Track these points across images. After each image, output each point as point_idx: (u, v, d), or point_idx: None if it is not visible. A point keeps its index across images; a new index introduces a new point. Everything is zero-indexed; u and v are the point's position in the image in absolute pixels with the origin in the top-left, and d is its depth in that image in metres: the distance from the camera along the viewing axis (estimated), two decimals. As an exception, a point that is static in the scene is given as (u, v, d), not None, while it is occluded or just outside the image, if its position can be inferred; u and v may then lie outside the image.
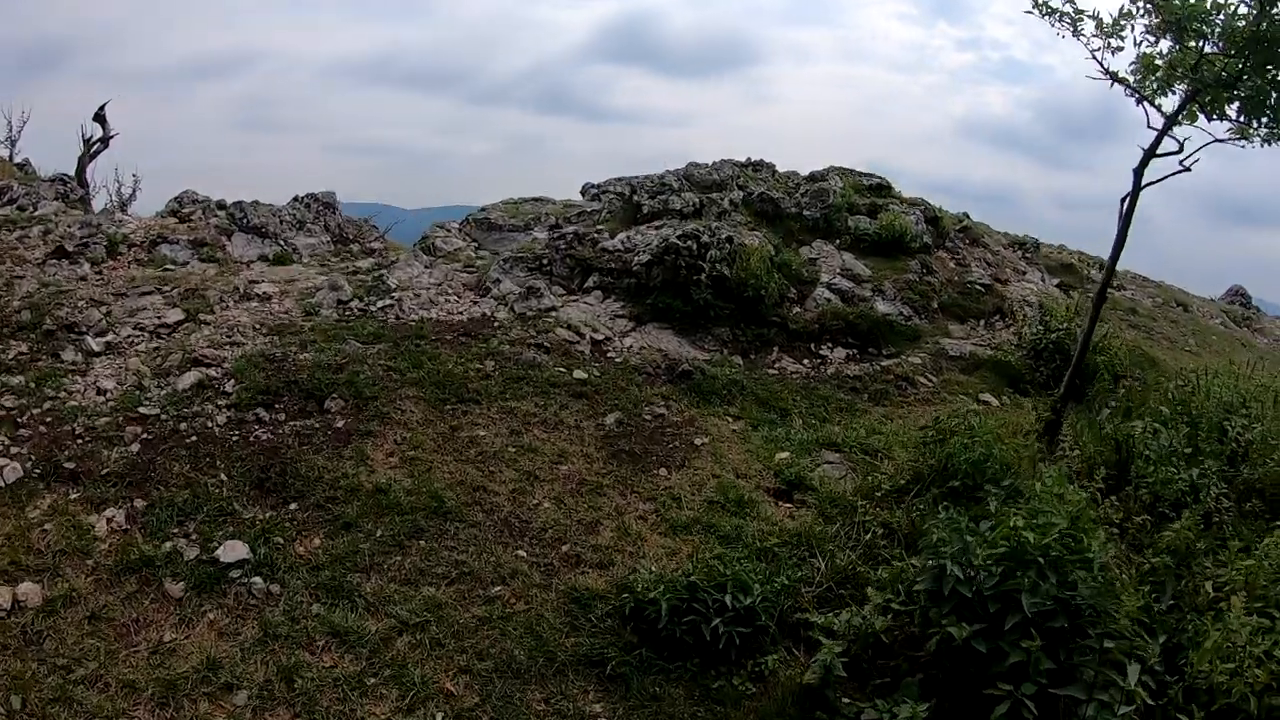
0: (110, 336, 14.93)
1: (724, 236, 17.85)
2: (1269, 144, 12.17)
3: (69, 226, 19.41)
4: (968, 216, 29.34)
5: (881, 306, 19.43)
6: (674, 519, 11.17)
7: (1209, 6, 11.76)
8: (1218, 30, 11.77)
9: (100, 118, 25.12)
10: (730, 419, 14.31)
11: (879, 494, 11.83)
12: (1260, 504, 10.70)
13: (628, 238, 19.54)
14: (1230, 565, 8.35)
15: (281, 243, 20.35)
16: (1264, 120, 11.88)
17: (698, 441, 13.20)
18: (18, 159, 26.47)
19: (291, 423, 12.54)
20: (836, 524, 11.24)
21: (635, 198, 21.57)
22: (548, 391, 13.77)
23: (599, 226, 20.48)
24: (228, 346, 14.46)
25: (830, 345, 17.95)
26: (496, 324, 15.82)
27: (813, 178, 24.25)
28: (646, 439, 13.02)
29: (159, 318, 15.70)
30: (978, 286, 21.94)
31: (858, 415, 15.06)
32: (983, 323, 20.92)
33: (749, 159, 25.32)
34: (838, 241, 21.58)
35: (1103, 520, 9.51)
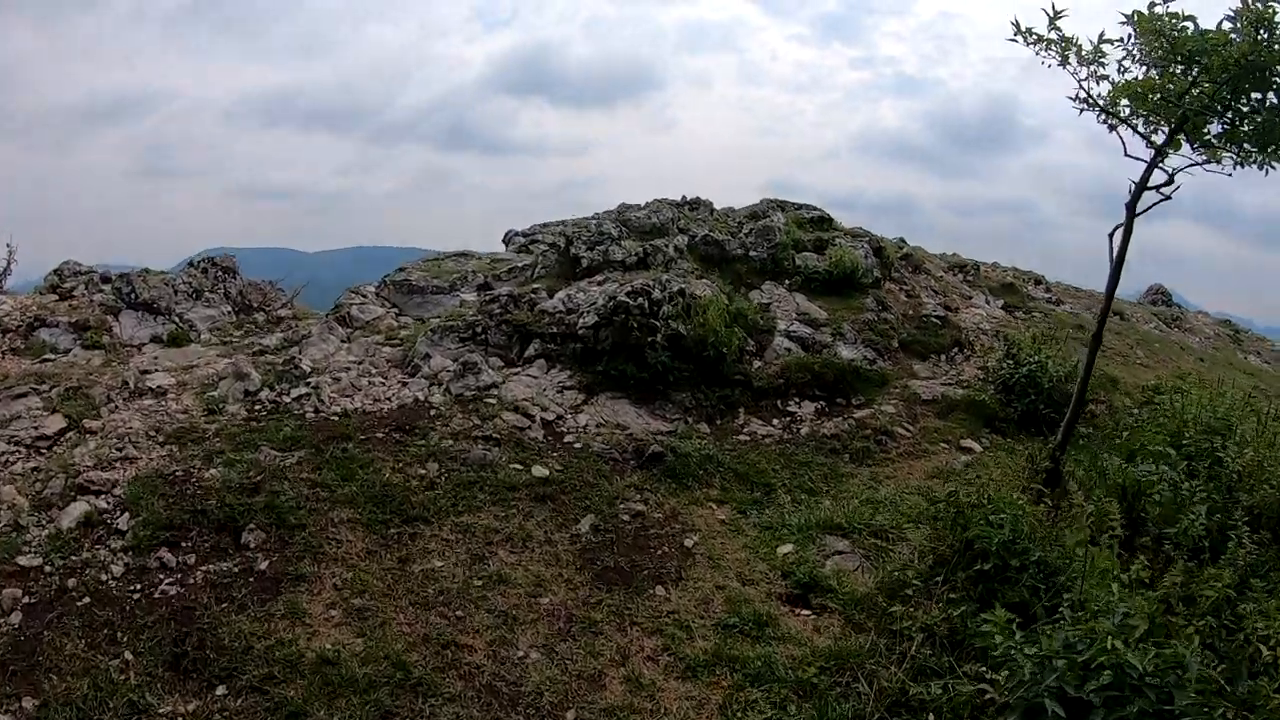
0: (-20, 456, 12.61)
1: (675, 289, 16.60)
2: (1242, 166, 11.78)
3: (-68, 313, 17.08)
4: (904, 242, 28.11)
5: (845, 352, 18.44)
6: (689, 655, 9.58)
7: (1211, 37, 11.13)
8: (1213, 60, 11.16)
9: None
10: (714, 505, 13.00)
11: (907, 591, 10.49)
12: (1268, 534, 10.42)
13: (569, 297, 17.74)
14: (1274, 619, 7.92)
15: (176, 319, 18.10)
16: (1244, 145, 11.72)
17: (688, 543, 11.76)
18: None
19: (204, 567, 10.38)
20: (869, 634, 9.88)
21: (572, 249, 19.74)
22: (506, 498, 12.03)
23: (534, 285, 18.61)
24: (119, 464, 12.31)
25: (798, 400, 16.81)
26: (433, 411, 14.18)
27: (754, 215, 22.74)
28: (631, 547, 11.36)
29: (36, 427, 13.47)
30: (933, 319, 21.10)
31: (844, 480, 14.03)
32: (944, 357, 20.04)
33: (684, 197, 23.22)
34: (788, 282, 20.64)
35: (1135, 581, 8.84)
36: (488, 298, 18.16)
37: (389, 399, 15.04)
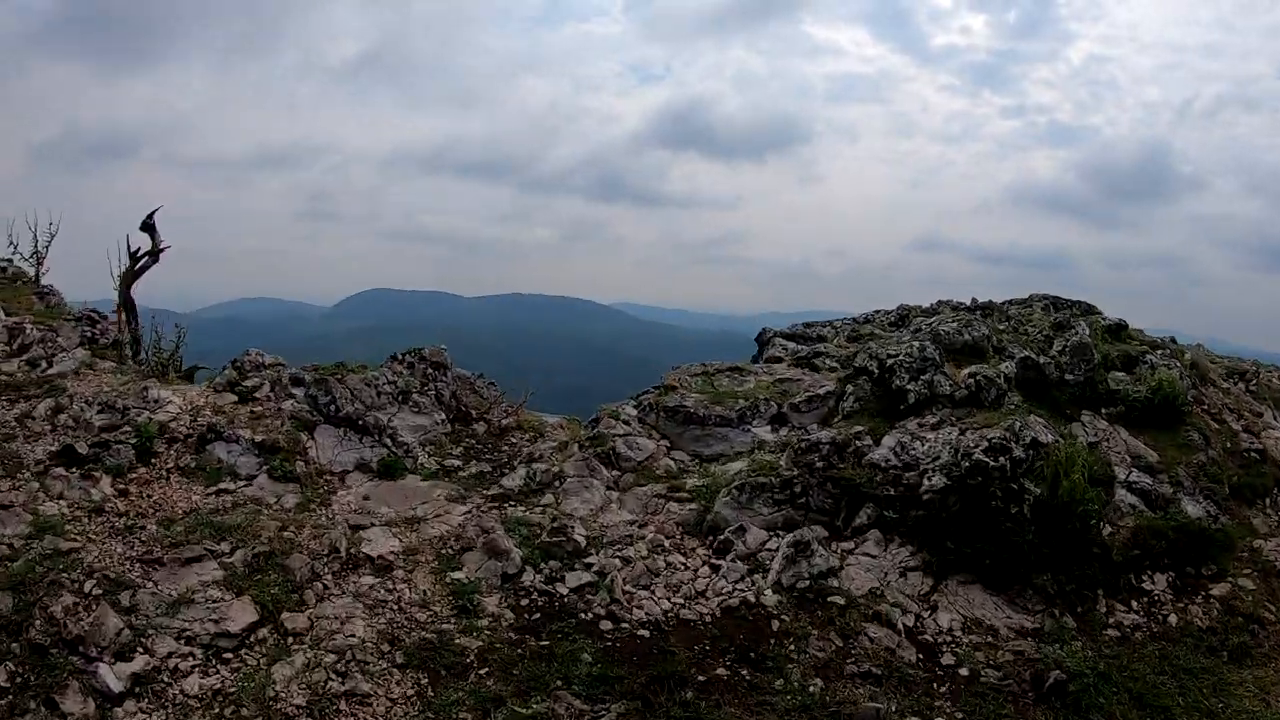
0: (139, 662, 8.97)
1: (1028, 440, 13.55)
2: None
3: (86, 406, 13.59)
4: (1174, 341, 23.53)
5: (1190, 508, 15.24)
6: None
7: None
8: None
9: (149, 226, 18.90)
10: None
11: None
12: None
13: (901, 446, 13.56)
14: None
15: (387, 440, 13.98)
16: None
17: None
18: (45, 279, 20.09)
19: None
20: None
21: (894, 380, 15.21)
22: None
23: (854, 426, 14.10)
24: (343, 706, 7.90)
25: (1150, 572, 14.00)
26: (775, 624, 10.81)
27: (1059, 326, 18.67)
28: None
29: (216, 618, 9.29)
30: (1252, 454, 17.71)
31: (1232, 693, 11.87)
32: (1268, 501, 16.82)
33: (974, 301, 20.52)
34: (1105, 411, 17.39)
35: None
36: (803, 444, 13.74)
37: (703, 594, 10.98)
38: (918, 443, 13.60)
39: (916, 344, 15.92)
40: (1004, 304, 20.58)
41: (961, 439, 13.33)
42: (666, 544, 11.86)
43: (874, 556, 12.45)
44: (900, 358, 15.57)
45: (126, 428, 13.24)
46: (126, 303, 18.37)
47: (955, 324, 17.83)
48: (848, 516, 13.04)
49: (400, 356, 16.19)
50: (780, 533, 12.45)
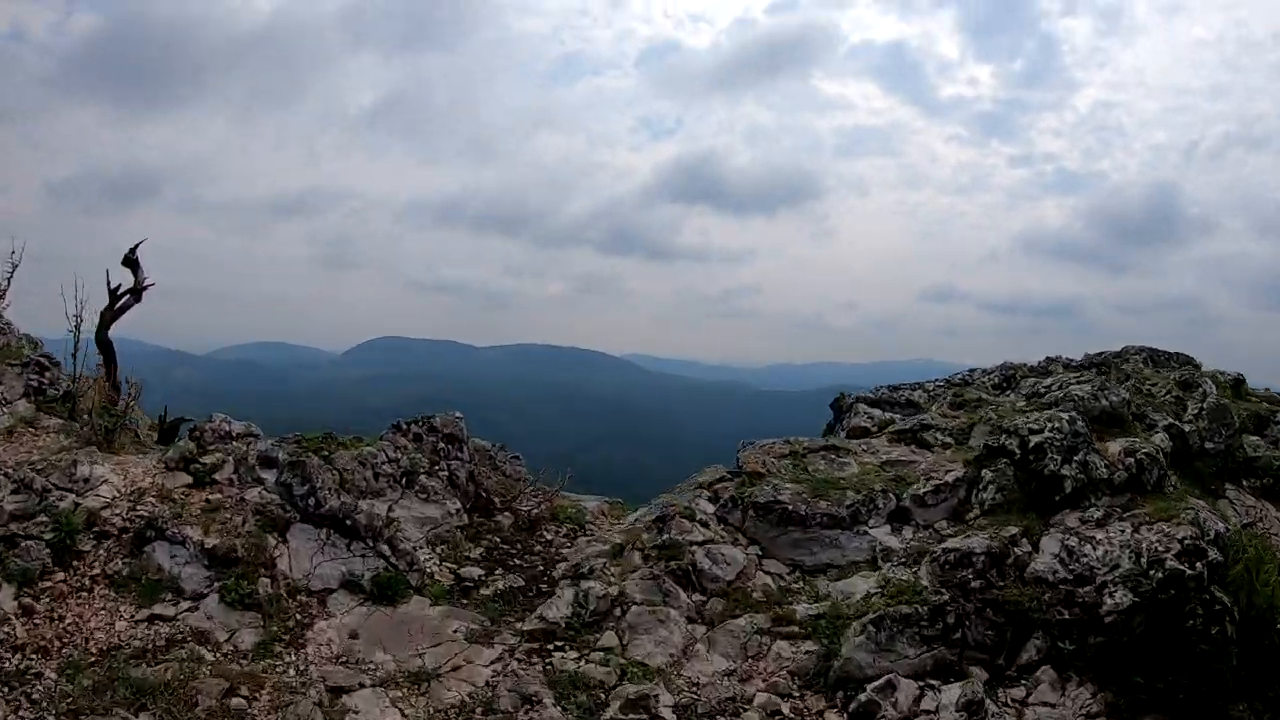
0: None
1: (1212, 534, 11.08)
2: None
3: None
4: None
5: None
6: None
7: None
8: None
9: (132, 261, 15.82)
10: None
11: None
12: None
13: (1068, 553, 10.67)
14: None
15: (384, 547, 10.50)
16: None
17: None
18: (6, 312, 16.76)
19: None
20: None
21: (1043, 463, 11.83)
22: None
23: (1009, 530, 10.70)
24: None
25: None
26: None
27: (1186, 385, 16.10)
28: None
29: None
30: None
31: None
32: None
33: (1088, 356, 17.81)
34: (1246, 484, 15.03)
35: None
36: (950, 557, 10.28)
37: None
38: (1087, 546, 10.82)
39: (1065, 416, 12.58)
40: (1098, 355, 17.82)
41: (1140, 539, 10.79)
42: (784, 709, 8.35)
43: (1052, 705, 9.50)
44: (1047, 434, 12.18)
45: (43, 517, 9.99)
46: (104, 345, 15.09)
47: (1090, 387, 14.59)
48: (1012, 651, 9.81)
49: (405, 426, 12.80)
50: (933, 683, 9.05)
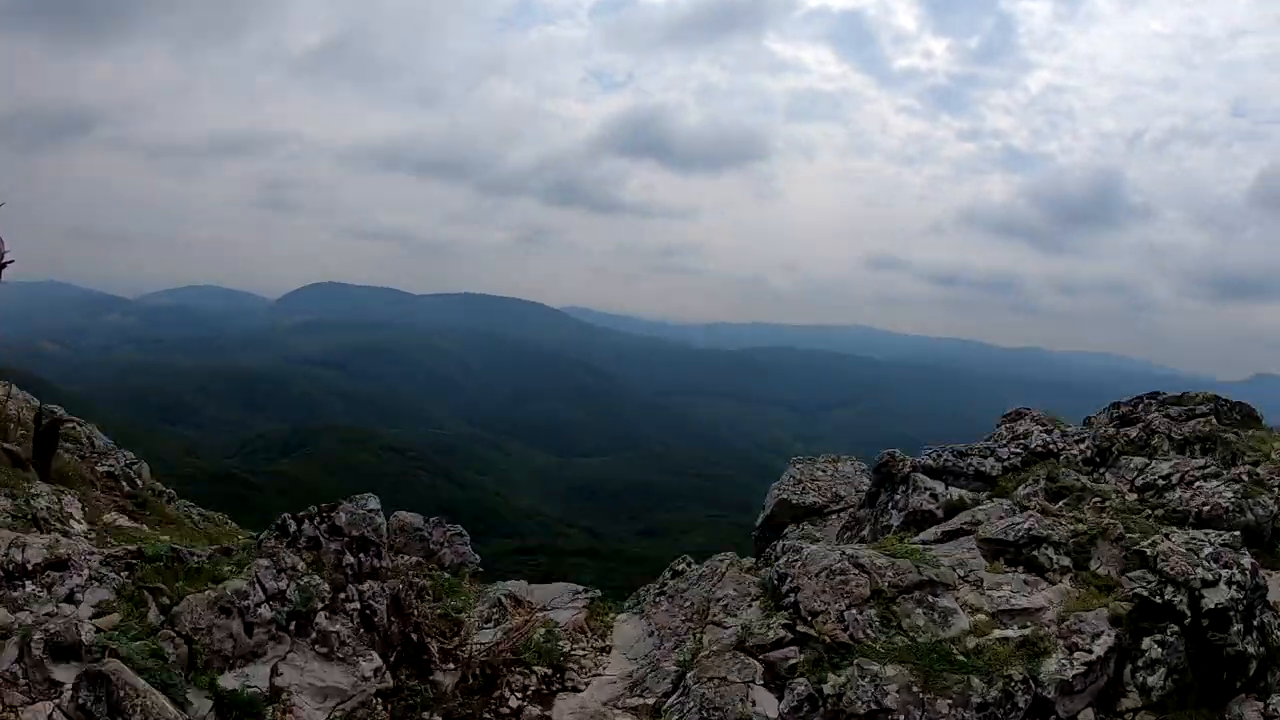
0: None
1: None
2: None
3: None
4: None
5: None
6: None
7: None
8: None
9: None
10: None
11: None
12: None
13: None
14: None
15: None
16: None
17: None
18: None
19: None
20: None
21: (1225, 637, 8.36)
22: None
23: None
24: None
25: None
26: None
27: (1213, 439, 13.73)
28: None
29: None
30: None
31: None
32: None
33: (1150, 404, 15.49)
34: None
35: None
36: None
37: None
38: None
39: (1246, 563, 9.12)
40: (1162, 402, 15.57)
41: None
42: None
43: None
44: (1229, 593, 8.41)
45: None
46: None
47: (1231, 493, 10.84)
48: None
49: (293, 528, 8.67)
50: None
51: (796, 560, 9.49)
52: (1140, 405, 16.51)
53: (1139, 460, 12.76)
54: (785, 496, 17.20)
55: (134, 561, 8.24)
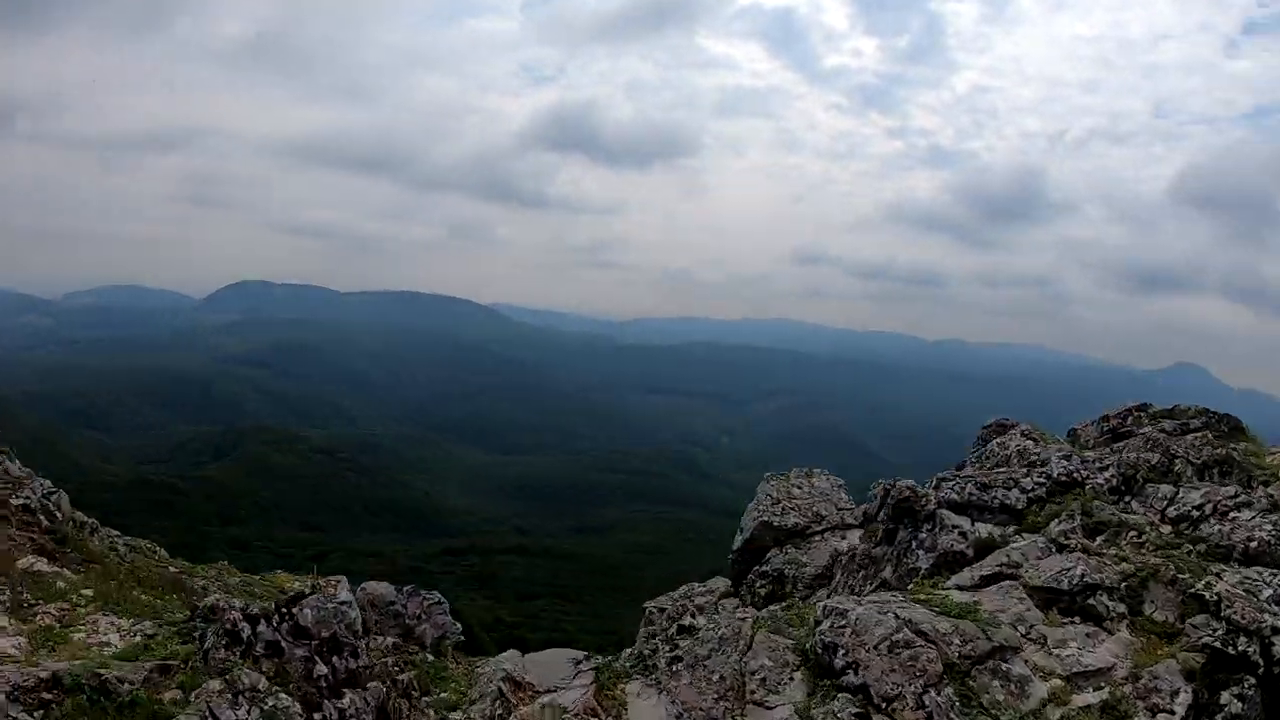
0: None
1: None
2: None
3: None
4: None
5: None
6: None
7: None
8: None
9: None
10: None
11: None
12: None
13: None
14: None
15: None
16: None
17: None
18: None
19: None
20: None
21: None
22: None
23: None
24: None
25: None
26: None
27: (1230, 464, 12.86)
28: None
29: None
30: None
31: None
32: None
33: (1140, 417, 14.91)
34: None
35: None
36: None
37: None
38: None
39: None
40: (1152, 415, 15.54)
41: None
42: None
43: None
44: None
45: None
46: None
47: (1270, 524, 10.23)
48: None
49: (248, 633, 7.58)
50: None
51: (844, 626, 8.62)
52: (1130, 418, 15.97)
53: (1166, 489, 12.10)
54: (765, 519, 16.33)
55: (49, 698, 6.70)
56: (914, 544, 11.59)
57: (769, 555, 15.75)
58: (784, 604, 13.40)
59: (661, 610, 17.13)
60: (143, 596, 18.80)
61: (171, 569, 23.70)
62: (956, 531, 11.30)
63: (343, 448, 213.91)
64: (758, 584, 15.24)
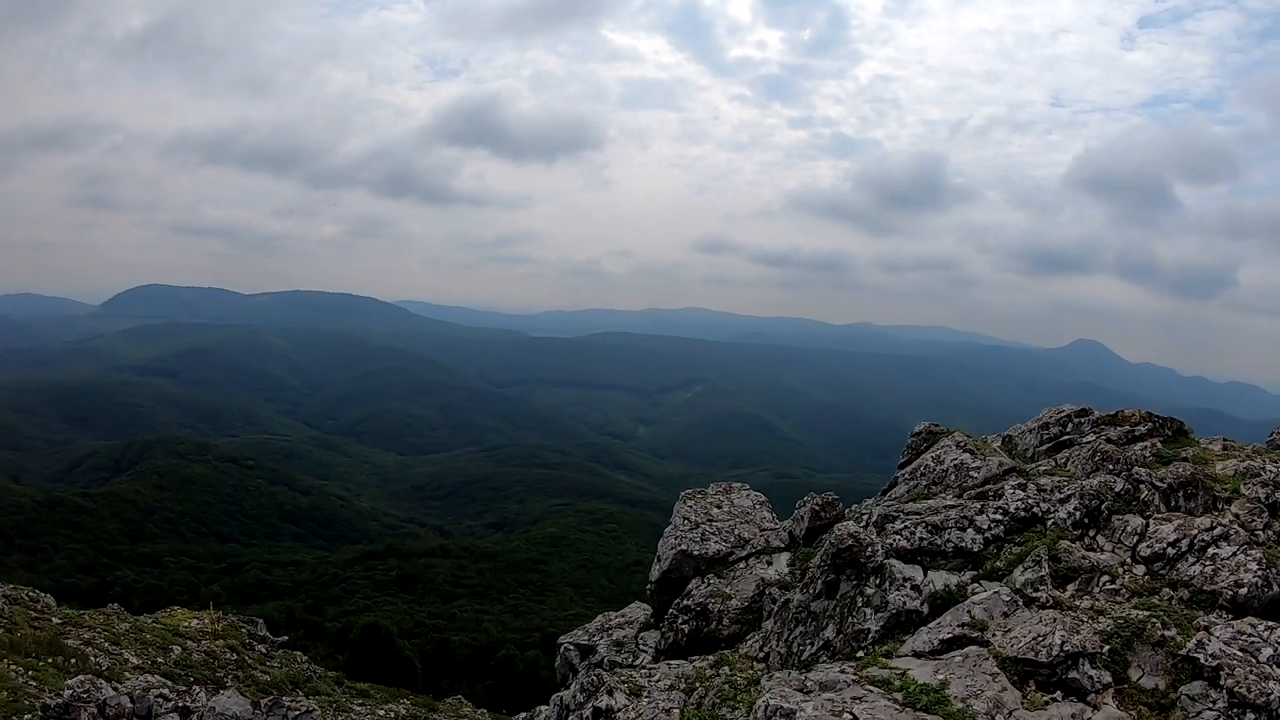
0: None
1: None
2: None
3: None
4: None
5: None
6: None
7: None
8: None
9: None
10: None
11: None
12: None
13: None
14: None
15: None
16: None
17: None
18: None
19: None
20: None
21: None
22: None
23: None
24: None
25: None
26: None
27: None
28: None
29: None
30: None
31: None
32: None
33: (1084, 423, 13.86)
34: None
35: None
36: None
37: None
38: None
39: None
40: (1095, 423, 14.67)
41: None
42: None
43: None
44: None
45: None
46: None
47: (1256, 564, 9.22)
48: None
49: None
50: None
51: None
52: (1070, 425, 15.07)
53: (1135, 520, 11.04)
54: (684, 548, 14.98)
55: None
56: (860, 600, 10.32)
57: (690, 587, 14.46)
58: (713, 659, 12.11)
59: (577, 647, 15.88)
60: (12, 668, 17.01)
61: (55, 620, 21.96)
62: (909, 585, 10.07)
63: (250, 455, 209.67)
64: (679, 620, 13.92)
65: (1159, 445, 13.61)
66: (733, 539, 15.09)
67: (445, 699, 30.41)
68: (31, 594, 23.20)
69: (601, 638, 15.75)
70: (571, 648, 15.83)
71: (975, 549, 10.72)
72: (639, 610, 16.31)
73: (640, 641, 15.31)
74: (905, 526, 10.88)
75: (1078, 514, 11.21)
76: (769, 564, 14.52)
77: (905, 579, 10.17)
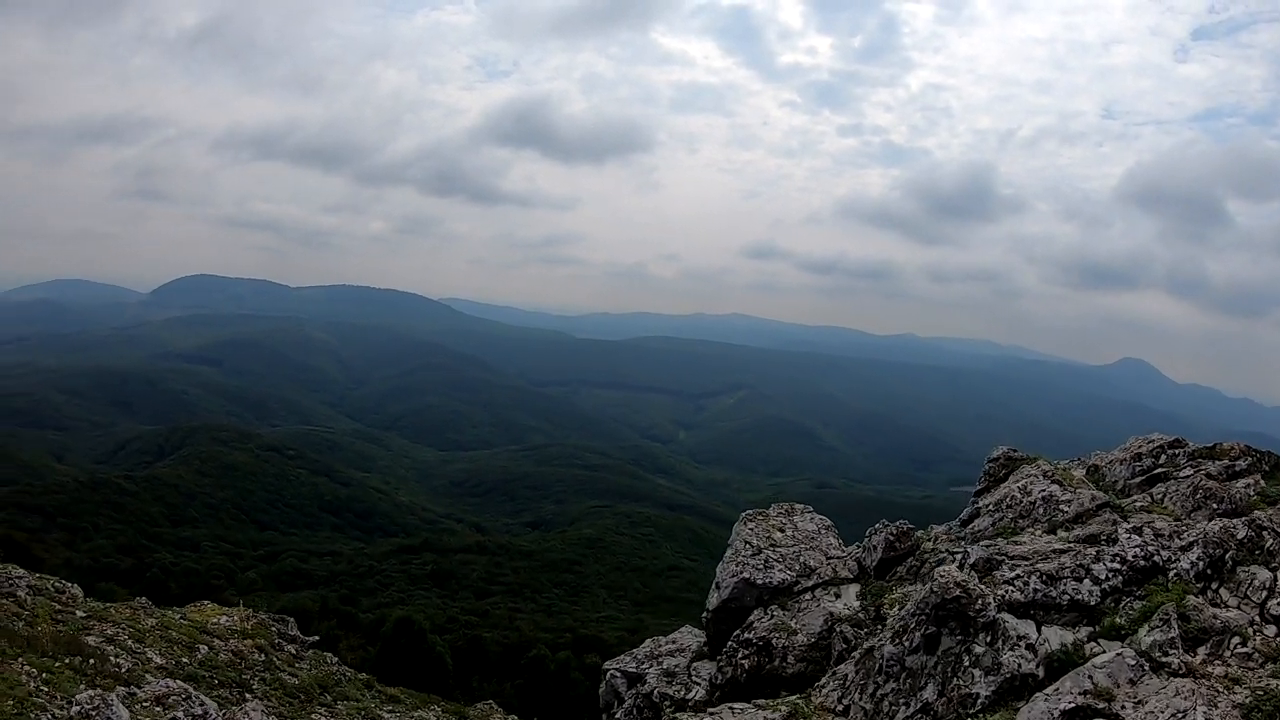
0: None
1: None
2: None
3: None
4: None
5: None
6: None
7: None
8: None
9: None
10: None
11: None
12: None
13: None
14: None
15: None
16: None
17: None
18: None
19: None
20: None
21: None
22: None
23: None
24: None
25: None
26: None
27: None
28: None
29: None
30: None
31: None
32: None
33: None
34: None
35: None
36: None
37: None
38: None
39: None
40: (1191, 455, 13.56)
41: None
42: None
43: None
44: None
45: None
46: None
47: None
48: None
49: None
50: None
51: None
52: (1164, 457, 13.83)
53: (1262, 574, 9.82)
54: (747, 575, 13.80)
55: None
56: (966, 659, 9.11)
57: (751, 619, 13.28)
58: (785, 710, 10.94)
59: (624, 675, 14.78)
60: (25, 671, 16.13)
61: (79, 614, 21.11)
62: (1024, 645, 8.88)
63: (293, 445, 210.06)
64: (739, 654, 12.77)
65: (1262, 482, 12.39)
66: (798, 567, 13.96)
67: (476, 704, 29.47)
68: (58, 584, 22.33)
69: (651, 665, 14.67)
70: (618, 674, 14.78)
71: (1092, 602, 9.54)
72: (690, 637, 15.22)
73: (693, 672, 14.18)
74: (1018, 576, 9.70)
75: (1200, 564, 10.00)
76: (837, 596, 13.40)
77: (1020, 637, 8.99)
